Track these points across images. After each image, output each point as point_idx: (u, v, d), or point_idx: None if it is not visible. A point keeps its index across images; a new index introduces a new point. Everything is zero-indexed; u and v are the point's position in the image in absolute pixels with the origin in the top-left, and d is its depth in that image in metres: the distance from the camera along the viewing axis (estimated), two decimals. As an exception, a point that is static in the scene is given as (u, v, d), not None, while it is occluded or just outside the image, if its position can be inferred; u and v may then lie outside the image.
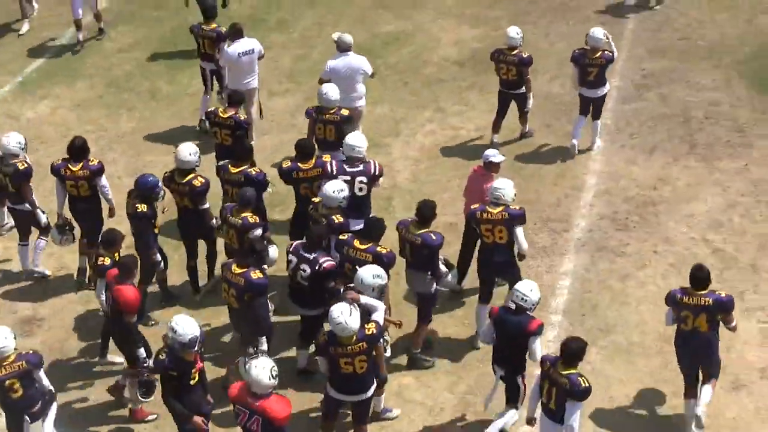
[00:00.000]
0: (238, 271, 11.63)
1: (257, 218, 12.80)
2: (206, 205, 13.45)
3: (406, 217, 12.76)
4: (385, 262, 11.81)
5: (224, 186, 13.73)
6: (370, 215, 13.11)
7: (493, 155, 13.53)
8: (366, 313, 10.95)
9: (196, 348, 10.30)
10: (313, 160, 13.51)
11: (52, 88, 19.07)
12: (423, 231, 12.23)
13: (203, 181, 13.39)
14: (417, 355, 12.73)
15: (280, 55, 19.50)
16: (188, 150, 13.45)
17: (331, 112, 14.64)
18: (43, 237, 14.40)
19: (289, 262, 12.19)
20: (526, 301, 10.97)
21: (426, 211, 12.30)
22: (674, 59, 19.01)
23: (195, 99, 18.42)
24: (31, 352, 11.06)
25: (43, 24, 20.92)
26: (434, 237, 12.18)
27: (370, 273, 11.25)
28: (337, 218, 12.52)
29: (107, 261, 11.88)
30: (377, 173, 13.39)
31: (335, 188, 12.59)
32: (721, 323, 11.29)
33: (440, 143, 17.03)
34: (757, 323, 13.09)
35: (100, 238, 12.23)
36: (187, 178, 13.32)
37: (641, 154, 16.52)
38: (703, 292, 11.22)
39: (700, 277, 11.27)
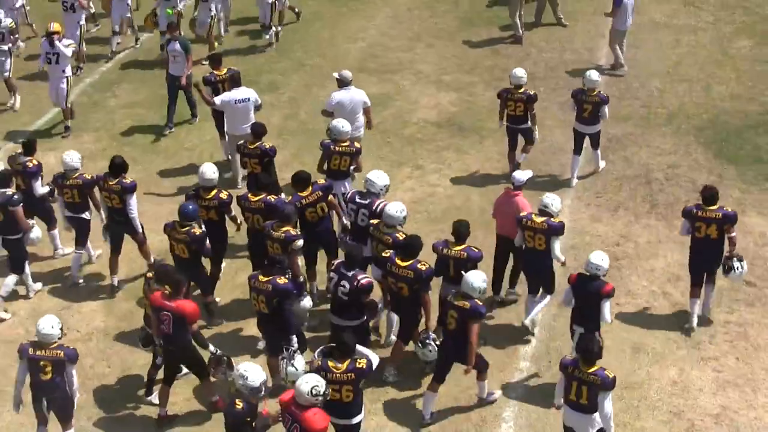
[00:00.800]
0: (265, 279, 12.29)
1: (297, 231, 13.57)
2: (233, 213, 14.47)
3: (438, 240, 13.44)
4: (425, 277, 12.56)
5: (245, 214, 14.26)
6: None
7: (523, 175, 14.38)
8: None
9: (263, 393, 10.56)
10: (311, 187, 13.99)
11: (60, 141, 19.19)
12: (464, 246, 12.99)
13: (227, 193, 14.44)
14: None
15: (270, 114, 19.55)
16: (211, 169, 14.43)
17: (345, 144, 15.14)
18: (79, 249, 15.36)
19: (330, 279, 12.78)
20: (599, 269, 12.32)
21: (462, 230, 13.11)
22: (637, 125, 19.20)
23: (191, 152, 18.68)
24: (71, 347, 11.76)
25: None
26: (476, 250, 13.07)
27: (479, 278, 12.12)
28: (400, 235, 13.15)
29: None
30: (377, 211, 13.65)
31: (397, 209, 13.31)
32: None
33: (419, 199, 17.11)
34: (712, 372, 13.18)
35: (154, 273, 12.59)
36: (213, 193, 14.26)
37: (606, 212, 16.66)
38: (713, 207, 13.49)
39: (709, 196, 13.52)
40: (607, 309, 12.32)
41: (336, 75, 16.90)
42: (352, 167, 15.28)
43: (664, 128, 19.11)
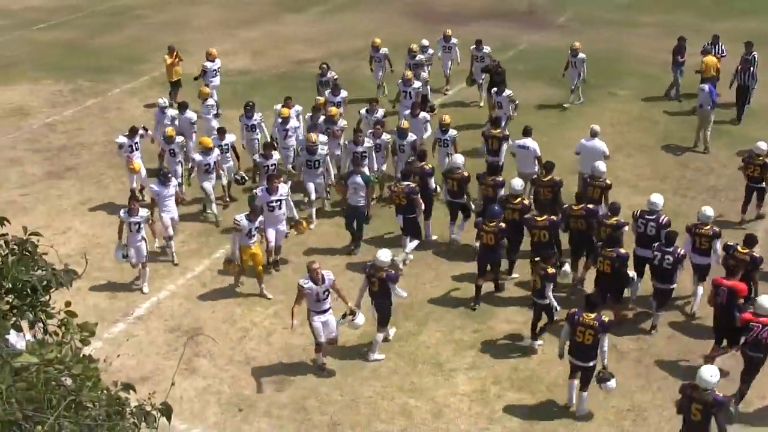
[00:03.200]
0: (609, 249, 15.06)
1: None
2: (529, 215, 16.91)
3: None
4: (758, 262, 15.05)
5: (532, 231, 16.39)
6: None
7: None
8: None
9: None
10: (581, 205, 16.51)
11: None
12: None
13: (529, 201, 17.55)
14: None
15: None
16: (519, 183, 17.20)
17: (600, 180, 17.46)
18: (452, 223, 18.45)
19: (655, 256, 15.22)
20: None
21: None
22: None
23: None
24: (393, 272, 14.57)
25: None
26: None
27: None
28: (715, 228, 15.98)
29: (551, 270, 14.73)
30: (665, 223, 15.89)
31: (709, 211, 15.98)
32: None
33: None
34: None
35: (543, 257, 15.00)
36: (518, 200, 16.93)
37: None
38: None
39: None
40: None
41: (591, 126, 19.75)
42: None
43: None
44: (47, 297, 6.24)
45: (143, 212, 16.94)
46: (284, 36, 33.65)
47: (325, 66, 24.48)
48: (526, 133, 19.53)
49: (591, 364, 13.11)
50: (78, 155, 23.50)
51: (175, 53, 25.90)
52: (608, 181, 17.63)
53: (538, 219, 16.30)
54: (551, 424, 13.41)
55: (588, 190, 17.50)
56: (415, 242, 17.86)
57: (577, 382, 13.43)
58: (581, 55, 25.27)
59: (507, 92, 22.85)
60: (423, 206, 17.80)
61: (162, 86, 27.56)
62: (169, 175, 18.38)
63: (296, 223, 18.02)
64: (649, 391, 14.08)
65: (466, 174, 17.96)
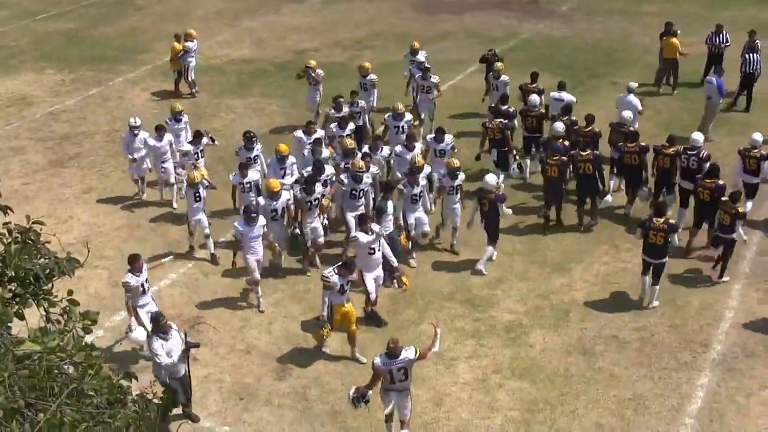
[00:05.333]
0: (710, 180, 16.82)
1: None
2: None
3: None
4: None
5: (577, 164, 18.13)
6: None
7: None
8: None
9: None
10: (636, 143, 18.50)
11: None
12: None
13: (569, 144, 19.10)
14: None
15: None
16: (560, 126, 19.22)
17: (624, 127, 19.48)
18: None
19: None
20: None
21: None
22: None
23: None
24: (503, 194, 17.30)
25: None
26: None
27: None
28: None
29: (741, 209, 16.09)
30: (705, 157, 17.72)
31: (758, 137, 18.21)
32: None
33: (611, 272, 17.10)
34: None
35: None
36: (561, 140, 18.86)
37: (774, 297, 16.37)
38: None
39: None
40: None
41: (628, 83, 21.92)
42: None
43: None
44: (50, 285, 6.28)
45: (146, 267, 14.67)
46: (284, 26, 33.58)
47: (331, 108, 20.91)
48: (561, 86, 21.61)
49: (662, 260, 15.47)
50: (80, 144, 23.52)
51: (181, 42, 25.99)
52: (632, 129, 19.31)
53: (583, 153, 18.11)
54: (552, 413, 13.46)
55: (613, 136, 19.80)
56: (503, 175, 19.57)
57: (648, 277, 15.66)
58: (504, 77, 22.49)
59: (448, 138, 19.19)
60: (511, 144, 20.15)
61: (164, 75, 27.64)
62: (254, 215, 15.71)
63: (398, 276, 15.73)
64: (650, 380, 14.09)
65: (543, 111, 20.73)
